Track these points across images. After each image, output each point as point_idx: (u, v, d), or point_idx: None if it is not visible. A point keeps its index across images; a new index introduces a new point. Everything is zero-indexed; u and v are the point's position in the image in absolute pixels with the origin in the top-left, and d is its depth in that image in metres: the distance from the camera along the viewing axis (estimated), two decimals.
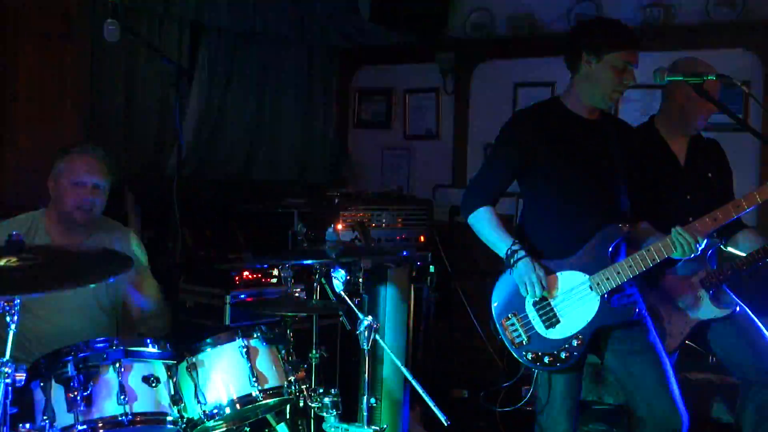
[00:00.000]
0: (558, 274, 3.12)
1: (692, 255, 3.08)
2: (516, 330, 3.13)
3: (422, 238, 5.43)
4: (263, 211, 4.15)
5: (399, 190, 6.04)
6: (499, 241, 3.15)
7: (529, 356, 3.12)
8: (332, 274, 3.12)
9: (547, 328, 3.10)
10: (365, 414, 2.95)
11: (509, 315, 3.15)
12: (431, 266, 4.93)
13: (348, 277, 3.12)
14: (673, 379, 3.13)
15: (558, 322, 3.10)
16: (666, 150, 3.58)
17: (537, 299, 3.09)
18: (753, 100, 4.61)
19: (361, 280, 3.66)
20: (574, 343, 3.09)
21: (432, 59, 6.04)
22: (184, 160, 5.23)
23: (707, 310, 3.51)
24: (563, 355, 3.09)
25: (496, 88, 5.89)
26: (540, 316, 3.11)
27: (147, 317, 3.37)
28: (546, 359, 3.10)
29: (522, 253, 3.08)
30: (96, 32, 4.24)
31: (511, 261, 3.09)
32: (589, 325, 3.08)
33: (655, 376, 3.11)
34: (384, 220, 5.22)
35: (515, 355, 3.15)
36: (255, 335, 2.94)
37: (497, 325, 3.17)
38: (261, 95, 5.91)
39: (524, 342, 3.12)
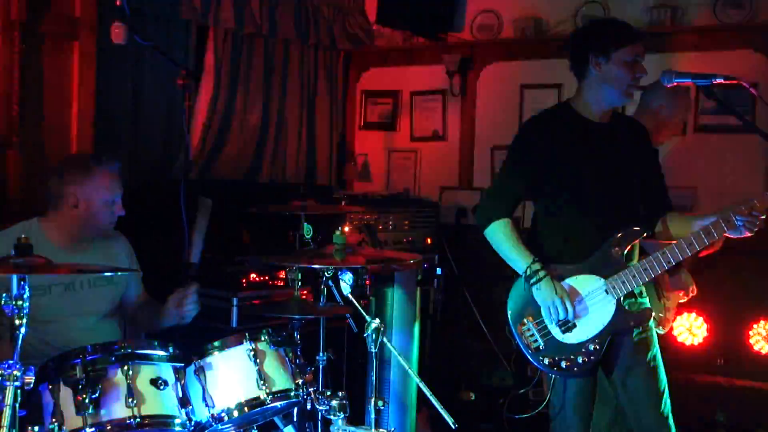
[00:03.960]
0: (574, 278, 3.09)
1: None
2: (533, 335, 3.11)
3: (429, 240, 5.43)
4: (270, 214, 4.13)
5: (406, 192, 6.04)
6: (518, 259, 3.10)
7: (546, 361, 3.09)
8: (339, 277, 3.12)
9: (563, 332, 3.07)
10: (373, 416, 2.95)
11: (525, 320, 3.13)
12: (438, 268, 4.94)
13: (355, 280, 3.13)
14: (666, 395, 3.13)
15: (574, 326, 3.07)
16: None
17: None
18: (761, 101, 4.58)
19: (368, 282, 3.66)
20: (591, 347, 3.06)
21: (439, 61, 6.03)
22: (191, 162, 5.26)
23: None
24: (580, 359, 3.06)
25: (503, 89, 5.87)
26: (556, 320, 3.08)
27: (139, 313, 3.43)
28: (563, 364, 3.08)
29: (543, 273, 3.04)
30: (103, 34, 4.25)
31: (532, 281, 3.06)
32: (606, 329, 3.05)
33: (647, 392, 3.12)
34: (391, 222, 5.21)
35: (532, 361, 3.13)
36: (263, 338, 2.95)
37: (513, 331, 3.15)
38: (267, 97, 5.91)
39: (541, 347, 3.10)
